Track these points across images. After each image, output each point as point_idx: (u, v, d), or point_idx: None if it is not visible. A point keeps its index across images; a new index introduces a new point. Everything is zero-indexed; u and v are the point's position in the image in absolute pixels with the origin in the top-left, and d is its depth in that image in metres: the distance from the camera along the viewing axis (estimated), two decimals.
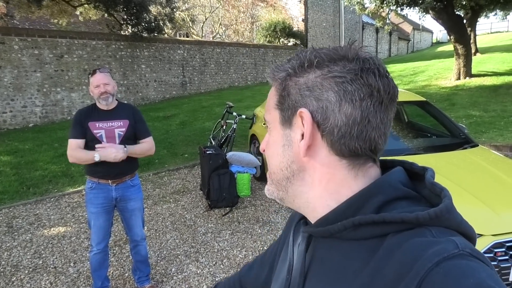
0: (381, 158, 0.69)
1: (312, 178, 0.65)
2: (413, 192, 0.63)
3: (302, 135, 0.62)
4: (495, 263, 2.41)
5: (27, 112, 10.16)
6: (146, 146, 3.03)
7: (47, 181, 6.11)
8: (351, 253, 0.59)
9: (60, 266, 3.72)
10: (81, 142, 2.84)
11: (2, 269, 3.67)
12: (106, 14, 12.28)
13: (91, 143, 2.83)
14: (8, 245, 4.16)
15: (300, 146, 0.63)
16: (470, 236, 0.57)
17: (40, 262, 3.80)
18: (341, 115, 0.59)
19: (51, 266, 3.72)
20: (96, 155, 2.75)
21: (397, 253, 0.52)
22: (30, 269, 3.67)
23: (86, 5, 12.28)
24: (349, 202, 0.62)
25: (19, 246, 4.12)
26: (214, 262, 3.68)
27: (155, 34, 12.68)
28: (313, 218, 0.67)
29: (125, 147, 2.85)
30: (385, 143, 0.63)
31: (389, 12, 15.89)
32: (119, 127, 2.89)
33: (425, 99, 4.62)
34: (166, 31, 16.18)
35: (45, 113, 10.51)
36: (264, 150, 0.74)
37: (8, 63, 9.77)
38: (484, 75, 11.51)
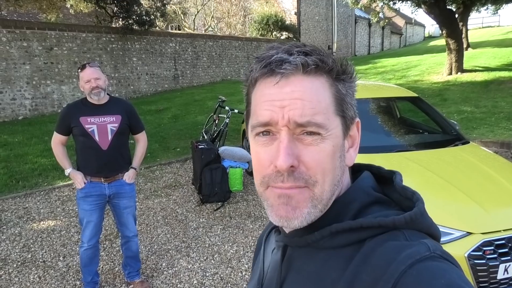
0: None
1: (341, 185, 0.64)
2: (384, 197, 0.64)
3: (348, 142, 0.64)
4: (484, 261, 2.42)
5: (16, 104, 10.02)
6: (142, 148, 3.10)
7: (36, 174, 6.04)
8: (329, 262, 0.59)
9: (49, 260, 3.68)
10: (63, 138, 2.89)
11: None
12: (96, 7, 12.11)
13: (82, 138, 2.80)
14: None
15: (351, 156, 0.64)
16: (437, 237, 0.60)
17: (29, 256, 3.76)
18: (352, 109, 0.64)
19: (40, 260, 3.69)
20: (67, 170, 2.85)
21: (372, 257, 0.54)
22: (19, 263, 3.63)
23: None
24: (327, 212, 0.62)
25: (7, 240, 4.07)
26: (205, 257, 3.67)
27: (146, 28, 12.54)
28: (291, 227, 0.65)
29: (134, 168, 3.01)
30: None
31: (382, 6, 15.88)
32: (112, 122, 2.85)
33: (417, 95, 4.63)
34: (157, 24, 16.01)
35: (34, 106, 10.37)
36: (294, 168, 0.57)
37: None
38: (475, 71, 11.58)
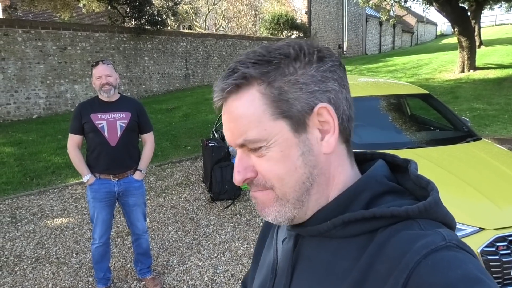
0: (361, 151, 0.71)
1: (327, 176, 0.62)
2: (398, 186, 0.63)
3: (321, 132, 0.60)
4: (497, 257, 2.40)
5: (30, 103, 10.18)
6: (149, 150, 3.11)
7: (50, 172, 6.14)
8: (341, 251, 0.59)
9: (62, 256, 3.75)
10: (78, 138, 2.91)
11: (5, 259, 3.71)
12: (109, 7, 12.24)
13: (92, 134, 2.84)
14: (11, 235, 4.20)
15: (328, 143, 0.60)
16: (452, 226, 0.59)
17: (43, 252, 3.83)
18: (342, 101, 0.61)
19: (54, 256, 3.75)
20: (86, 177, 2.87)
21: (387, 247, 0.53)
22: (33, 259, 3.70)
23: None
24: (338, 200, 0.62)
25: (22, 237, 4.15)
26: (215, 254, 3.69)
27: (158, 28, 12.64)
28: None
29: (140, 170, 3.02)
30: None
31: (393, 4, 15.77)
32: (121, 119, 2.89)
33: (428, 92, 4.59)
34: (169, 23, 16.12)
35: (48, 105, 10.53)
36: (251, 178, 0.62)
37: (12, 54, 9.77)
38: (488, 68, 11.42)
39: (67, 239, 4.08)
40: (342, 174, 0.63)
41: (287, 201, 0.61)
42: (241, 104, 0.59)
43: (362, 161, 0.71)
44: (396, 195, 0.61)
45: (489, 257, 2.39)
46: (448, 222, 0.58)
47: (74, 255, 3.77)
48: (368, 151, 0.71)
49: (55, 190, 5.49)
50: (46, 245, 3.97)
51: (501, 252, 2.45)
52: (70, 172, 6.06)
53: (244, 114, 0.59)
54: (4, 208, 4.92)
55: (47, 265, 3.61)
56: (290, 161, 0.59)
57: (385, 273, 0.51)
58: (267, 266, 0.76)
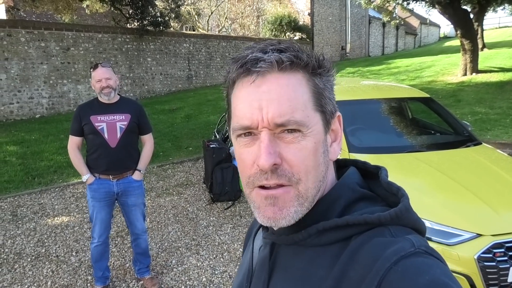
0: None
1: (327, 179, 0.64)
2: (370, 193, 0.65)
3: (330, 136, 0.65)
4: (494, 263, 2.39)
5: (33, 103, 10.23)
6: (148, 150, 3.12)
7: (52, 172, 6.17)
8: (316, 260, 0.60)
9: (62, 255, 3.77)
10: (78, 140, 2.94)
11: (5, 257, 3.73)
12: (112, 8, 12.29)
13: (92, 136, 2.87)
14: (12, 233, 4.22)
15: (335, 150, 0.64)
16: (422, 231, 0.60)
17: (43, 250, 3.85)
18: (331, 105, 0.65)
19: (54, 254, 3.78)
20: (85, 177, 2.90)
21: (359, 254, 0.54)
22: (33, 257, 3.72)
23: None
24: (314, 210, 0.62)
25: (22, 235, 4.18)
26: (214, 255, 3.71)
27: (161, 29, 12.69)
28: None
29: (139, 170, 3.02)
30: None
31: (395, 6, 15.76)
32: (121, 120, 2.91)
33: (428, 96, 4.60)
34: (172, 25, 16.17)
35: (51, 105, 10.58)
36: (277, 165, 0.57)
37: (15, 55, 9.83)
38: (491, 71, 11.39)
39: (67, 238, 4.10)
40: (329, 181, 0.66)
41: (306, 198, 0.59)
42: (291, 83, 0.58)
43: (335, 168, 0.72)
44: (368, 201, 0.63)
45: (486, 263, 2.38)
46: (418, 228, 0.59)
47: (73, 253, 3.79)
48: (340, 158, 0.72)
49: (57, 189, 5.52)
50: (46, 243, 3.99)
51: (498, 258, 2.43)
52: (72, 172, 6.08)
53: (294, 95, 0.58)
54: (6, 206, 4.96)
55: (46, 263, 3.63)
56: (317, 155, 0.59)
57: (357, 279, 0.52)
58: (242, 274, 0.75)
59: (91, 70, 2.86)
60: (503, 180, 3.07)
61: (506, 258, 2.44)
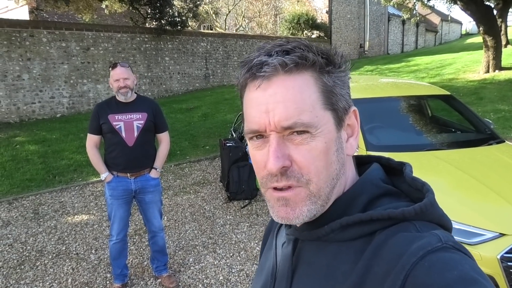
0: (356, 154, 0.70)
1: (345, 175, 0.64)
2: (393, 188, 0.64)
3: (346, 132, 0.64)
4: None
5: (54, 103, 10.45)
6: (164, 149, 3.14)
7: (72, 170, 6.28)
8: (340, 255, 0.59)
9: (82, 252, 3.83)
10: (97, 138, 2.98)
11: (27, 254, 3.82)
12: (130, 8, 12.44)
13: (110, 134, 2.90)
14: (33, 230, 4.31)
15: (352, 145, 0.64)
16: (448, 228, 0.59)
17: (63, 248, 3.92)
18: (345, 101, 0.64)
19: (74, 252, 3.84)
20: (103, 175, 2.94)
21: (383, 249, 0.53)
22: (54, 255, 3.79)
23: None
24: (336, 205, 0.62)
25: (44, 232, 4.26)
26: (231, 254, 3.71)
27: (179, 28, 12.78)
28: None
29: (156, 169, 3.06)
30: None
31: (415, 3, 15.49)
32: (138, 119, 2.94)
33: (449, 93, 4.49)
34: (189, 24, 16.27)
35: (71, 104, 10.79)
36: (287, 168, 0.58)
37: (37, 55, 10.05)
38: None
39: (87, 236, 4.17)
40: (349, 177, 0.65)
41: (319, 197, 0.59)
42: (297, 85, 0.58)
43: (358, 164, 0.71)
44: (392, 197, 0.62)
45: (509, 263, 2.32)
46: (444, 224, 0.58)
47: (93, 251, 3.85)
48: (364, 155, 0.72)
49: (77, 188, 5.62)
50: (67, 241, 4.06)
51: None
52: (91, 170, 6.18)
53: (300, 96, 0.57)
54: (28, 204, 5.07)
55: (67, 260, 3.69)
56: (329, 154, 0.59)
57: (382, 275, 0.51)
58: (266, 271, 0.76)
59: (110, 69, 2.89)
60: None
61: None
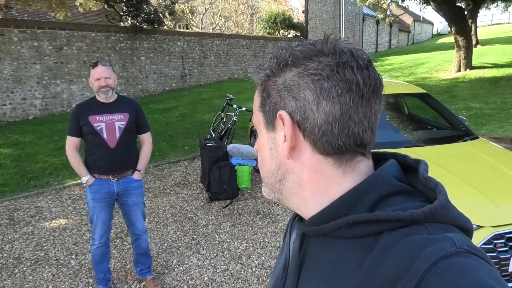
0: (372, 150, 0.67)
1: (300, 179, 0.64)
2: (408, 187, 0.61)
3: (284, 137, 0.61)
4: (495, 254, 2.44)
5: (26, 104, 10.14)
6: (147, 150, 3.11)
7: (47, 174, 6.12)
8: (346, 252, 0.58)
9: (62, 258, 3.74)
10: (77, 140, 2.90)
11: (4, 262, 3.70)
12: (105, 5, 12.21)
13: (91, 136, 2.84)
14: (10, 237, 4.18)
15: (283, 148, 0.62)
16: (467, 229, 0.57)
17: (42, 254, 3.82)
18: (320, 114, 0.58)
19: (53, 258, 3.74)
20: (84, 178, 2.86)
21: (393, 252, 0.52)
22: (32, 261, 3.69)
23: None
24: (342, 200, 0.60)
25: (20, 239, 4.14)
26: (215, 254, 3.70)
27: (155, 26, 12.62)
28: (307, 216, 0.66)
29: (139, 170, 3.02)
30: (373, 136, 0.62)
31: (390, 3, 15.81)
32: (120, 120, 2.89)
33: (425, 91, 4.61)
34: (166, 22, 16.10)
35: (44, 106, 10.49)
36: (257, 151, 0.73)
37: (8, 55, 9.72)
38: (484, 67, 11.47)
39: (66, 241, 4.07)
40: (334, 185, 0.62)
41: (266, 183, 0.70)
42: (256, 92, 0.69)
43: (375, 161, 0.68)
44: (405, 196, 0.60)
45: (487, 254, 2.41)
46: (461, 225, 0.56)
47: (73, 256, 3.77)
48: (380, 150, 0.70)
49: (53, 192, 5.48)
50: (45, 247, 3.96)
51: (498, 249, 2.48)
52: (67, 173, 6.04)
53: (254, 100, 0.70)
54: (2, 210, 4.91)
55: (46, 267, 3.60)
56: (264, 150, 0.68)
57: (391, 278, 0.50)
58: (280, 265, 0.76)
59: (90, 67, 2.83)
60: (501, 172, 3.10)
61: (506, 248, 2.49)
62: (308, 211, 0.65)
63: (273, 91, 0.63)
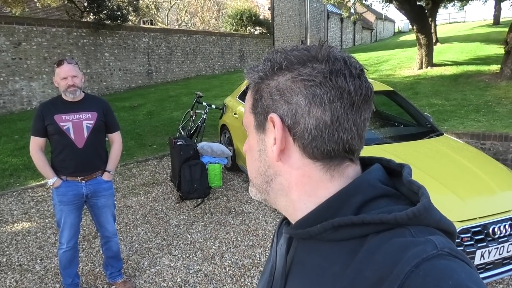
0: (361, 156, 0.69)
1: (288, 182, 0.65)
2: (392, 190, 0.63)
3: (274, 140, 0.62)
4: (461, 248, 2.53)
5: None
6: (117, 150, 3.04)
7: (8, 175, 5.83)
8: (332, 255, 0.59)
9: (25, 263, 3.58)
10: (42, 141, 2.77)
11: None
12: (65, 1, 11.75)
13: (57, 136, 2.72)
14: None
15: (273, 151, 0.63)
16: (450, 231, 0.58)
17: (4, 259, 3.64)
18: (311, 119, 0.59)
19: (16, 263, 3.58)
20: (51, 180, 2.75)
21: (377, 255, 0.52)
22: None
23: None
24: (327, 203, 0.61)
25: None
26: (187, 255, 3.65)
27: (119, 23, 12.27)
28: (294, 220, 0.66)
29: (109, 171, 2.93)
30: (361, 143, 0.63)
31: (354, 1, 16.12)
32: (87, 119, 2.79)
33: (392, 89, 4.73)
34: (130, 18, 15.70)
35: (2, 104, 9.99)
36: (245, 151, 0.73)
37: None
38: (444, 65, 11.90)
39: (30, 245, 3.90)
40: (321, 190, 0.63)
41: (253, 184, 0.70)
42: (248, 93, 0.70)
43: (362, 165, 0.69)
44: (390, 199, 0.61)
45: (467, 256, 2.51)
46: (444, 227, 0.57)
47: (38, 261, 3.61)
48: (366, 156, 0.71)
49: (14, 194, 5.23)
50: (7, 252, 3.77)
51: (465, 243, 2.59)
52: (29, 174, 5.79)
53: (246, 101, 0.70)
54: None
55: (9, 272, 3.43)
56: (253, 151, 0.68)
57: (374, 281, 0.50)
58: (267, 270, 0.76)
59: (55, 66, 2.70)
60: (466, 168, 3.23)
61: (472, 242, 2.59)
62: (295, 214, 0.65)
63: (265, 93, 0.64)
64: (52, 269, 3.46)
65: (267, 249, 3.71)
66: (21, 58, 10.34)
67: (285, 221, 0.75)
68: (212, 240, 3.90)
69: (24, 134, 7.65)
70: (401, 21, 47.02)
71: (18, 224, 4.35)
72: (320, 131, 0.59)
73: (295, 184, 0.64)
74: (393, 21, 46.88)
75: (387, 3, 13.03)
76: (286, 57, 0.62)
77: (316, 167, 0.62)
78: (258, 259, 3.55)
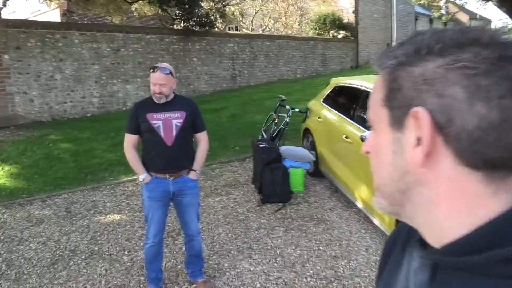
0: None
1: (434, 194, 0.51)
2: None
3: (418, 140, 0.49)
4: None
5: (85, 102, 10.57)
6: (203, 149, 3.06)
7: (103, 169, 6.28)
8: None
9: (115, 253, 3.76)
10: (135, 138, 2.90)
11: (60, 253, 3.78)
12: (159, 10, 12.51)
13: (148, 134, 2.83)
14: (66, 229, 4.29)
15: (415, 154, 0.49)
16: None
17: (96, 248, 3.87)
18: (472, 117, 0.45)
19: (107, 253, 3.78)
20: (142, 176, 2.84)
21: None
22: (87, 255, 3.74)
23: (141, 1, 12.59)
24: (492, 226, 0.47)
25: (76, 231, 4.23)
26: (267, 260, 3.56)
27: (207, 29, 12.78)
28: (437, 242, 0.52)
29: (195, 170, 2.96)
30: None
31: (446, 1, 15.05)
32: (177, 118, 2.86)
33: None
34: (217, 25, 16.28)
35: (102, 104, 10.89)
36: (367, 153, 0.61)
37: (69, 56, 10.19)
38: None
39: (119, 236, 4.10)
40: (480, 208, 0.49)
41: (382, 193, 0.57)
42: (376, 83, 0.58)
43: None
44: None
45: None
46: None
47: (126, 252, 3.78)
48: None
49: (108, 187, 5.60)
50: (99, 241, 4.01)
51: None
52: (122, 169, 6.16)
53: (373, 92, 0.58)
54: (60, 202, 5.07)
55: (100, 261, 3.63)
56: (384, 153, 0.55)
57: None
58: None
59: (151, 70, 2.82)
60: None
61: None
62: (441, 235, 0.51)
63: (407, 83, 0.50)
64: (138, 261, 3.59)
65: (351, 261, 3.48)
66: (119, 63, 11.20)
67: (418, 240, 0.59)
68: (293, 247, 3.77)
69: (119, 132, 8.21)
70: (499, 20, 42.95)
71: (110, 216, 4.62)
72: (484, 132, 0.45)
73: (444, 197, 0.50)
74: (489, 21, 43.04)
75: (484, 1, 11.95)
76: (439, 39, 0.49)
77: (474, 178, 0.48)
78: (342, 271, 3.34)
